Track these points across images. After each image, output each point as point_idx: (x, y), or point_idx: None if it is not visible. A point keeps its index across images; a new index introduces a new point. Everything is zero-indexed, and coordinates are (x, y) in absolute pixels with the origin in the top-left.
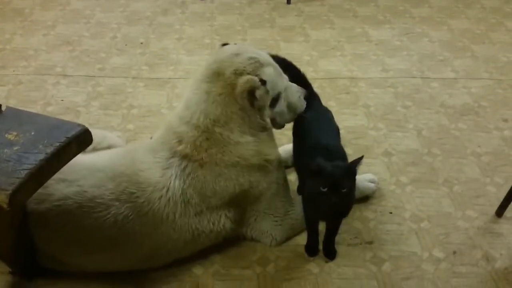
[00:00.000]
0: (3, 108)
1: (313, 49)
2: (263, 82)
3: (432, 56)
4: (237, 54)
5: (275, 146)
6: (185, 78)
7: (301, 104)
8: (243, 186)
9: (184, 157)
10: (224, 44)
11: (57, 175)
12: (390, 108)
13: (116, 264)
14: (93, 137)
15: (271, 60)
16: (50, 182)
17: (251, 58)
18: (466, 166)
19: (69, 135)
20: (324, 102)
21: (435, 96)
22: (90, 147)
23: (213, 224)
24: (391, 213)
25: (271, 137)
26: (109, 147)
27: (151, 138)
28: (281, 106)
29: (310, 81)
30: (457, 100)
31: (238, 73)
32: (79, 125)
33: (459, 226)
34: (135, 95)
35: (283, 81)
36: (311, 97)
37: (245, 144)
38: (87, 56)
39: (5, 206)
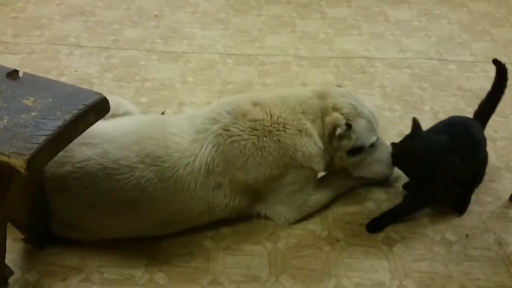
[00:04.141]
0: (20, 74)
1: (330, 27)
2: (348, 126)
3: (451, 38)
4: (343, 96)
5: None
6: (199, 52)
7: (385, 168)
8: (272, 173)
9: (252, 120)
10: (339, 86)
11: (79, 139)
12: (407, 90)
13: (131, 229)
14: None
15: (368, 114)
16: (72, 145)
17: (352, 104)
18: None
19: (87, 102)
20: (339, 81)
21: (452, 79)
22: (109, 114)
23: (229, 200)
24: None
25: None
26: (125, 113)
27: (162, 113)
28: (360, 158)
29: (325, 60)
30: (475, 83)
31: (334, 108)
32: (96, 93)
33: (473, 210)
34: (149, 68)
35: (372, 137)
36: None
37: (309, 143)
38: (100, 27)
39: (22, 171)
